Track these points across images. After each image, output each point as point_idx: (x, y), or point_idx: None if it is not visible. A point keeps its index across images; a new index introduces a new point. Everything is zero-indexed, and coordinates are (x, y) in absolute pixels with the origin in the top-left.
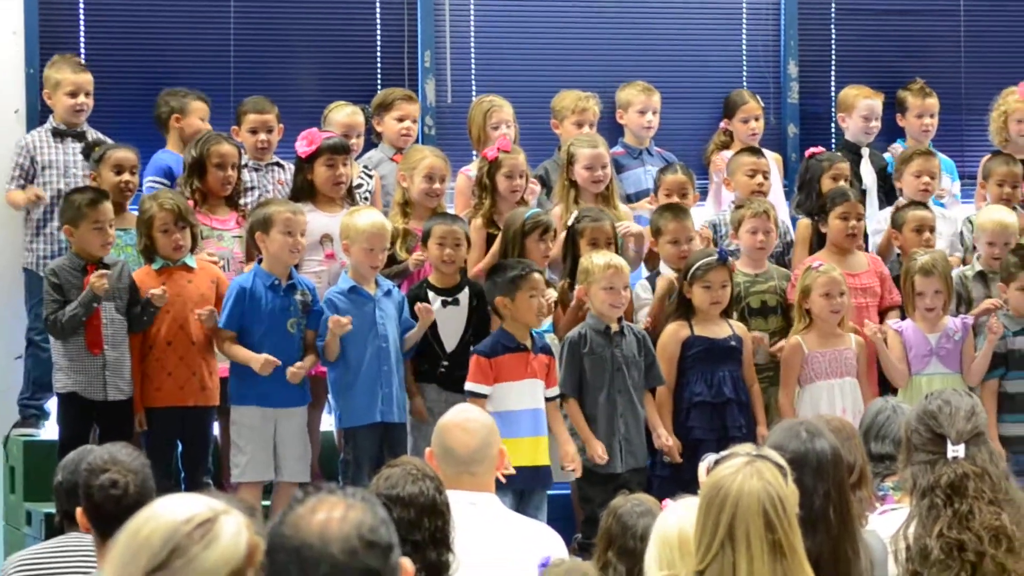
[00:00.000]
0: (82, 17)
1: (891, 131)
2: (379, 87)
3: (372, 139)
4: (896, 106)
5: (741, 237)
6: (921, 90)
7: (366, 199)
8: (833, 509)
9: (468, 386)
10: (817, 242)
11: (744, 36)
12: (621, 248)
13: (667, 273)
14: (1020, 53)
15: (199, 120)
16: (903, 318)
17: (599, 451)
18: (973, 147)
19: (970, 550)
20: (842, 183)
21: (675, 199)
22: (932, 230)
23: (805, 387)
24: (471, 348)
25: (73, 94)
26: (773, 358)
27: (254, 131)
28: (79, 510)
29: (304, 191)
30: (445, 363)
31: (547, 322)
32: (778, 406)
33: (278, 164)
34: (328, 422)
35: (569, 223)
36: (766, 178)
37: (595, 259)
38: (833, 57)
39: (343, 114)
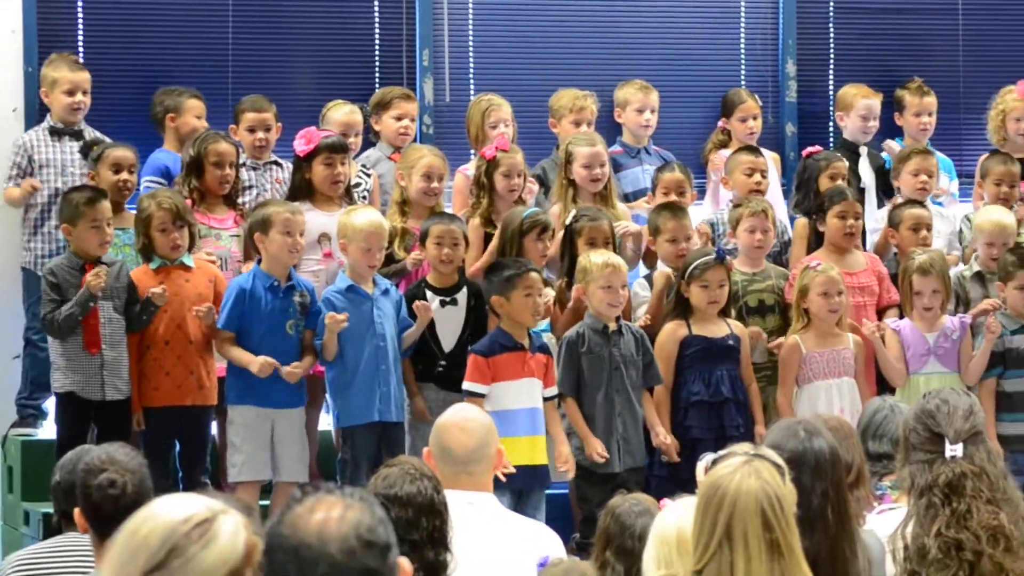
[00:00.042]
0: (80, 16)
1: (889, 130)
2: (377, 86)
3: (370, 138)
4: (894, 105)
5: (739, 236)
6: (919, 89)
7: (364, 198)
8: (831, 508)
9: (466, 385)
10: (815, 241)
11: (742, 35)
12: (619, 247)
13: (663, 269)
14: (1018, 52)
15: (195, 118)
16: (901, 317)
17: (598, 449)
18: (971, 146)
19: (968, 549)
20: (840, 182)
21: (673, 197)
22: (929, 228)
23: (803, 387)
24: (468, 348)
25: (70, 92)
26: (771, 357)
27: (252, 130)
28: (77, 510)
29: (302, 190)
30: (443, 363)
31: (545, 322)
32: (776, 406)
33: (276, 163)
34: (326, 421)
35: (567, 222)
36: (764, 177)
37: (593, 258)
38: (831, 56)
39: (341, 113)
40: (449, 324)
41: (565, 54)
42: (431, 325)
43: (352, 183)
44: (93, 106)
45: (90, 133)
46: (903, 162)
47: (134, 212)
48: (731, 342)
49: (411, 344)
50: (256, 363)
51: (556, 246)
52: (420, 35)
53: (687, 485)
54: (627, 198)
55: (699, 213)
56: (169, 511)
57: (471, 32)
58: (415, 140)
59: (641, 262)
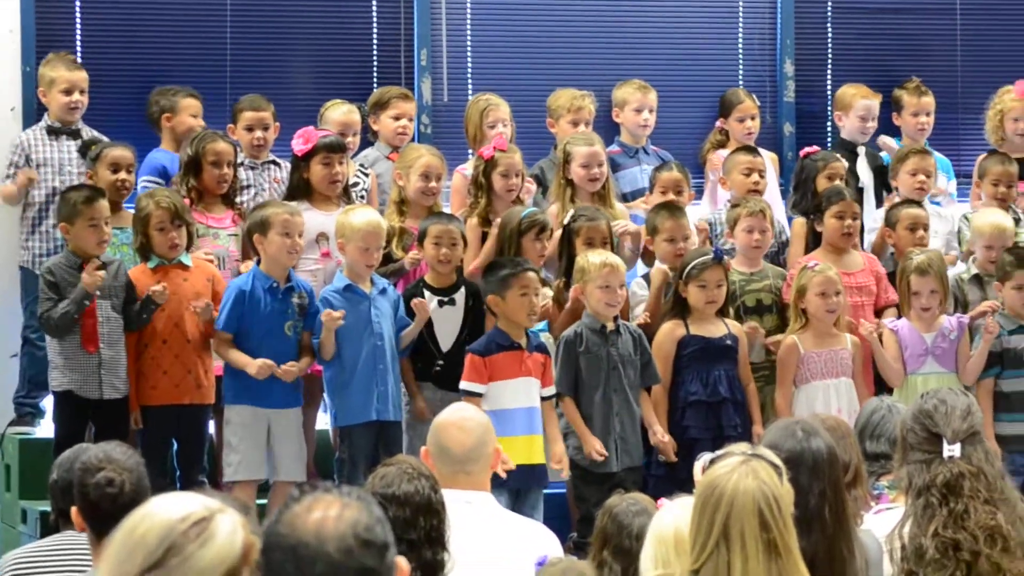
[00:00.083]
0: (78, 15)
1: (887, 130)
2: (375, 85)
3: (368, 137)
4: (892, 105)
5: (737, 236)
6: (917, 89)
7: (362, 197)
8: (828, 508)
9: (463, 385)
10: (813, 241)
11: (740, 35)
12: (617, 247)
13: (660, 266)
14: (1016, 52)
15: (190, 117)
16: (899, 317)
17: (597, 447)
18: (969, 146)
19: (965, 549)
20: (838, 182)
21: (671, 196)
22: (926, 228)
23: (801, 387)
24: (466, 348)
25: (68, 92)
26: (769, 356)
27: (250, 128)
28: (74, 509)
29: (300, 189)
30: (440, 362)
31: (542, 321)
32: (774, 406)
33: (274, 162)
34: (324, 421)
35: (565, 222)
36: (762, 177)
37: (591, 258)
38: (829, 56)
39: (339, 112)
40: (447, 324)
41: (563, 54)
42: (429, 325)
43: (350, 183)
44: (91, 105)
45: (88, 132)
46: (901, 162)
47: (132, 211)
48: (729, 342)
49: (410, 343)
50: (254, 366)
51: (554, 246)
52: (418, 35)
53: (685, 485)
54: (625, 198)
55: (697, 213)
56: (167, 510)
57: (469, 32)
58: (413, 140)
59: (640, 261)
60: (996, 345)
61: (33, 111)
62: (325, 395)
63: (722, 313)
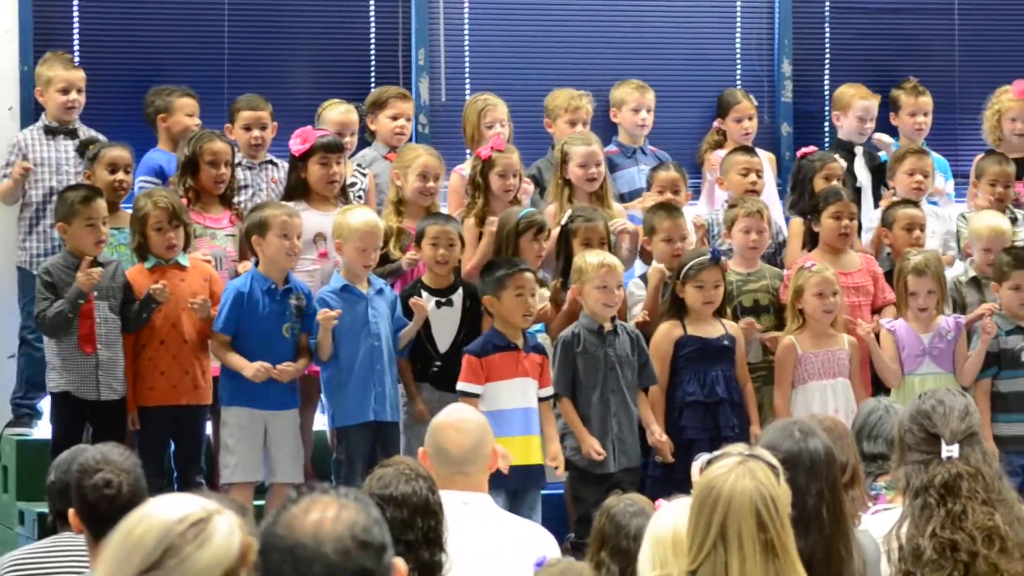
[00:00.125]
0: (76, 14)
1: (884, 130)
2: (373, 85)
3: (366, 137)
4: (889, 105)
5: (734, 236)
6: (914, 89)
7: (360, 198)
8: (826, 509)
9: (460, 386)
10: (810, 241)
11: (738, 35)
12: (614, 247)
13: (657, 265)
14: (1014, 52)
15: (186, 116)
16: (896, 317)
17: (595, 447)
18: (966, 146)
19: (963, 550)
20: (835, 183)
21: (668, 195)
22: (922, 228)
23: (798, 388)
24: (463, 348)
25: (65, 91)
26: (766, 356)
27: (248, 128)
28: (71, 510)
29: (298, 189)
30: (438, 363)
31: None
32: (772, 406)
33: (271, 162)
34: (321, 422)
35: (562, 222)
36: (759, 177)
37: (588, 258)
38: (827, 56)
39: (337, 112)
40: (444, 325)
41: (561, 54)
42: (426, 326)
43: (348, 183)
44: (89, 105)
45: (85, 132)
46: (898, 162)
47: (130, 211)
48: (726, 342)
49: (408, 342)
50: (250, 369)
51: (551, 246)
52: (416, 34)
53: (682, 485)
54: (623, 198)
55: (693, 213)
56: (164, 511)
57: (467, 31)
58: (411, 140)
59: (639, 261)
60: (993, 346)
61: (31, 110)
62: (322, 396)
63: (719, 313)
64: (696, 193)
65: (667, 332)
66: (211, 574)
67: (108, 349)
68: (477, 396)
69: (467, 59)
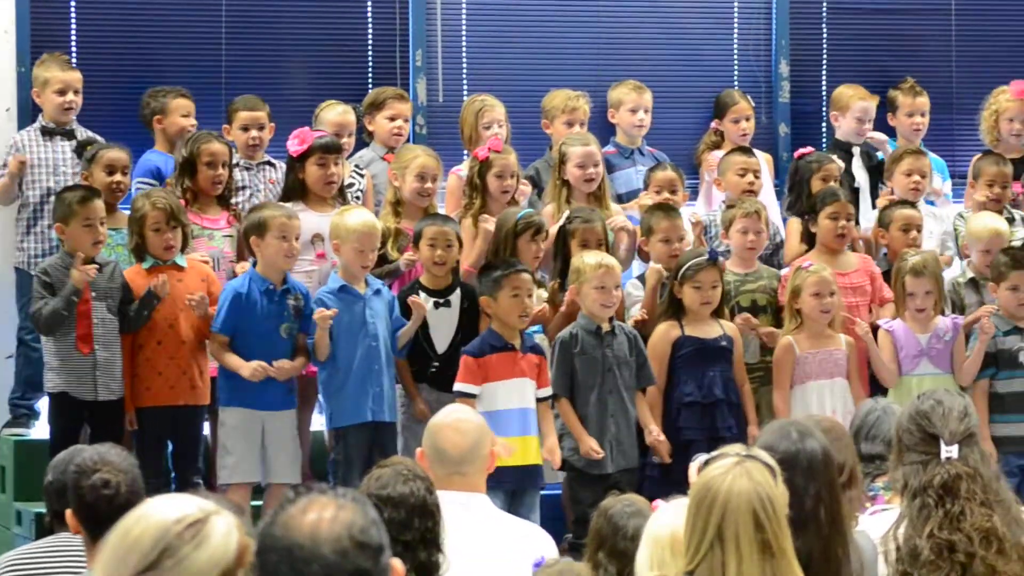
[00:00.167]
0: (73, 15)
1: (881, 131)
2: (370, 86)
3: (363, 138)
4: (887, 105)
5: (731, 237)
6: (912, 89)
7: (357, 198)
8: (823, 509)
9: (457, 386)
10: (808, 242)
11: (735, 35)
12: (612, 247)
13: (655, 265)
14: (1011, 52)
15: (181, 117)
16: (894, 317)
17: (593, 446)
18: (964, 146)
19: (960, 551)
20: (832, 183)
21: (665, 196)
22: (919, 229)
23: (795, 388)
24: (461, 349)
25: (62, 92)
26: (764, 357)
27: (245, 128)
28: (69, 511)
29: (295, 190)
30: (436, 364)
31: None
32: (770, 407)
33: (269, 163)
34: (319, 422)
35: (560, 223)
36: (757, 177)
37: (586, 259)
38: (824, 57)
39: (334, 113)
40: (442, 325)
41: (558, 55)
42: (424, 326)
43: (345, 184)
44: (86, 106)
45: (82, 133)
46: (896, 162)
47: (127, 213)
48: (724, 343)
49: (407, 342)
50: (247, 368)
51: (549, 247)
52: (413, 35)
53: (680, 486)
54: (620, 199)
55: (690, 213)
56: (162, 511)
57: (464, 32)
58: (408, 140)
59: (637, 261)
60: (991, 346)
61: (28, 112)
62: (320, 396)
63: (717, 314)
64: (694, 194)
65: (665, 333)
66: (208, 575)
67: (106, 349)
68: (474, 397)
69: (464, 60)
